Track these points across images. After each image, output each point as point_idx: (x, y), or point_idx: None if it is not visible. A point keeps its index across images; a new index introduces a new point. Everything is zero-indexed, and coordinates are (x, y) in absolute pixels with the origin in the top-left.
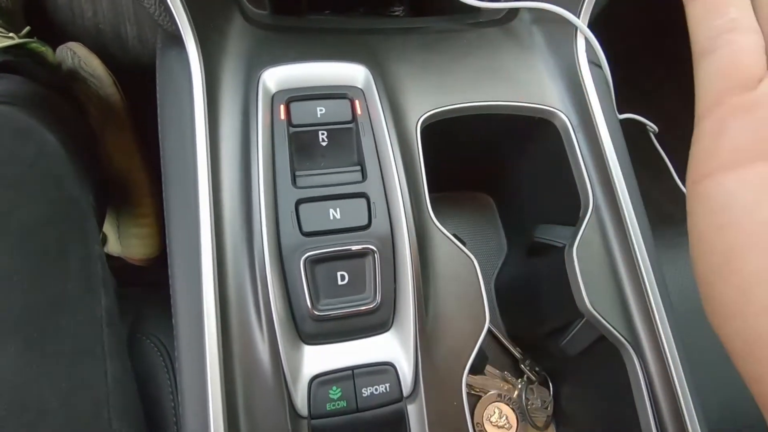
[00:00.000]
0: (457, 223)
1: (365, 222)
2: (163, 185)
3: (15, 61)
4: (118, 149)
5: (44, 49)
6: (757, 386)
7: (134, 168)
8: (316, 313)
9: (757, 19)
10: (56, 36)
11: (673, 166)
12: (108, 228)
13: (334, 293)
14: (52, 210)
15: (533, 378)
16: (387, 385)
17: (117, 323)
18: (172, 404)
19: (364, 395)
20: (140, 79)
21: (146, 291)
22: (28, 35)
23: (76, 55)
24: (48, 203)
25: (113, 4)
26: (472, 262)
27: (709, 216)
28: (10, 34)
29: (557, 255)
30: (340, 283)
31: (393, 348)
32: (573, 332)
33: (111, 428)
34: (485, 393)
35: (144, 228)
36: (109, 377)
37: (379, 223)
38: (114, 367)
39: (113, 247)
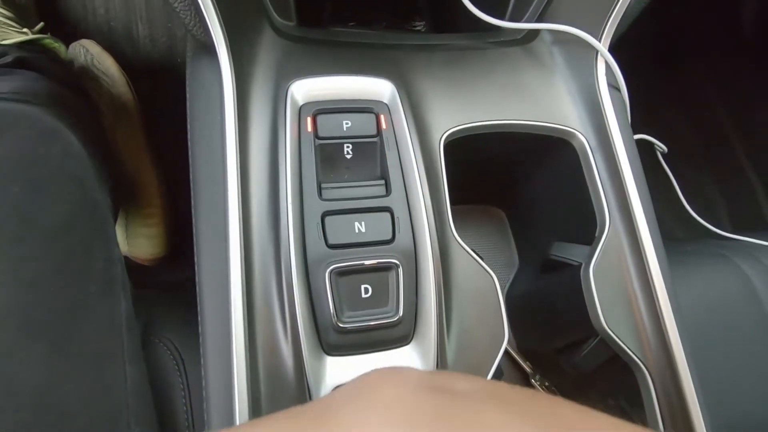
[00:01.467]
0: (470, 236)
1: (389, 236)
2: (192, 192)
3: (29, 56)
4: (129, 149)
5: (57, 45)
6: None
7: (144, 168)
8: (340, 324)
9: None
10: (68, 33)
11: (678, 185)
12: (116, 228)
13: (357, 306)
14: (76, 212)
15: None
16: None
17: (134, 327)
18: (185, 408)
19: None
20: (150, 78)
21: (157, 293)
22: (41, 31)
23: (89, 52)
24: (72, 206)
25: (125, 3)
26: (492, 278)
27: None
28: (24, 30)
29: (573, 273)
30: (363, 296)
31: (413, 361)
32: (587, 350)
33: None
34: None
35: (152, 228)
36: (128, 381)
37: (403, 238)
38: (133, 371)
39: (120, 246)
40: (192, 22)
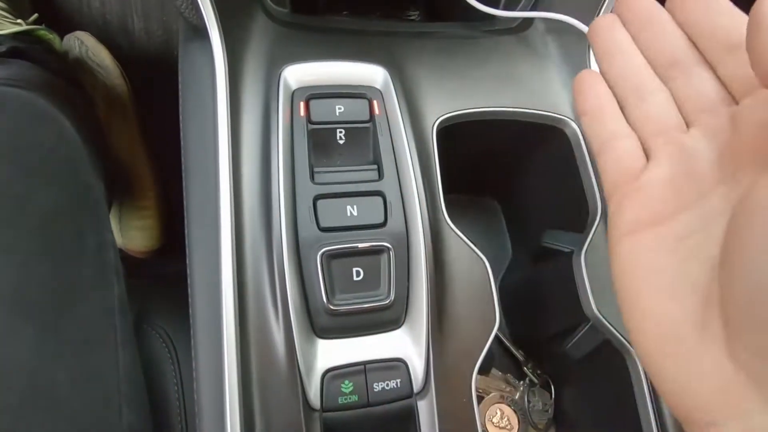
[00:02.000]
0: (462, 226)
1: (381, 220)
2: (183, 174)
3: (24, 47)
4: (123, 140)
5: (52, 37)
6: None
7: (138, 160)
8: (331, 307)
9: (631, 126)
10: (62, 24)
11: None
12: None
13: (349, 288)
14: (69, 196)
15: (535, 380)
16: (398, 380)
17: (127, 312)
18: (177, 396)
19: (375, 390)
20: (145, 71)
21: (149, 283)
22: (35, 22)
23: (83, 44)
24: (65, 189)
25: None
26: (484, 263)
27: (616, 266)
28: (18, 21)
29: (564, 260)
30: (355, 278)
31: (404, 344)
32: (578, 336)
33: (121, 418)
34: (488, 394)
35: (146, 220)
36: (120, 366)
37: (395, 222)
38: (125, 356)
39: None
40: (184, 5)
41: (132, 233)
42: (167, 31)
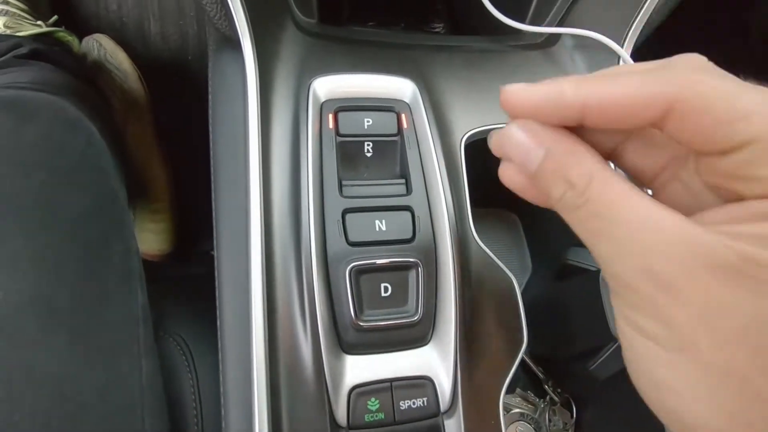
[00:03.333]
0: (483, 240)
1: (410, 235)
2: (212, 185)
3: (44, 49)
4: (139, 144)
5: (71, 39)
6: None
7: (153, 163)
8: (359, 323)
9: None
10: (79, 27)
11: None
12: None
13: (377, 304)
14: (97, 202)
15: (556, 399)
16: (425, 399)
17: (149, 320)
18: (194, 404)
19: (401, 408)
20: (161, 74)
21: (166, 288)
22: (54, 24)
23: (102, 47)
24: (94, 195)
25: None
26: (512, 281)
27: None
28: (38, 22)
29: (590, 278)
30: (383, 294)
31: (431, 362)
32: (604, 356)
33: (143, 425)
34: (508, 411)
35: (160, 223)
36: (143, 375)
37: (423, 237)
38: (148, 365)
39: None
40: (218, 15)
41: (146, 236)
42: (183, 35)
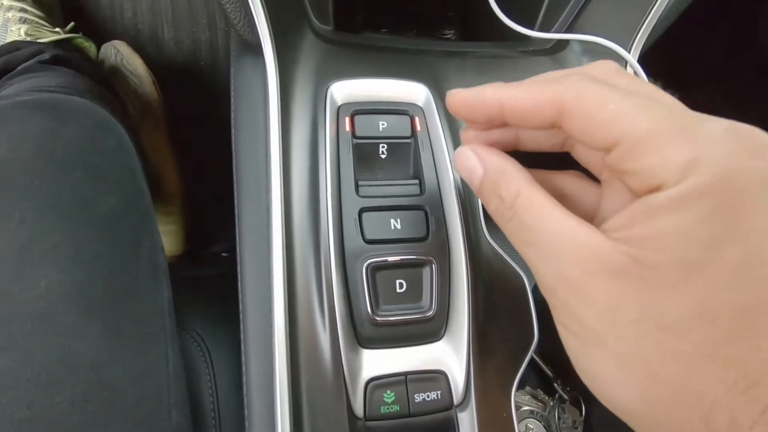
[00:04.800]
0: (495, 238)
1: (424, 233)
2: (235, 184)
3: (65, 54)
4: (152, 146)
5: (88, 45)
6: None
7: (166, 166)
8: (376, 318)
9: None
10: (95, 33)
11: None
12: None
13: (392, 300)
14: (129, 201)
15: (565, 397)
16: (438, 392)
17: (173, 314)
18: (211, 398)
19: (416, 401)
20: (173, 79)
21: (180, 287)
22: (72, 31)
23: (119, 52)
24: (125, 193)
25: (152, 6)
26: (523, 279)
27: None
28: (56, 29)
29: None
30: (398, 290)
31: (445, 357)
32: None
33: (170, 415)
34: (518, 409)
35: (171, 225)
36: (170, 365)
37: (437, 236)
38: (173, 356)
39: None
40: (241, 23)
41: None
42: (195, 41)
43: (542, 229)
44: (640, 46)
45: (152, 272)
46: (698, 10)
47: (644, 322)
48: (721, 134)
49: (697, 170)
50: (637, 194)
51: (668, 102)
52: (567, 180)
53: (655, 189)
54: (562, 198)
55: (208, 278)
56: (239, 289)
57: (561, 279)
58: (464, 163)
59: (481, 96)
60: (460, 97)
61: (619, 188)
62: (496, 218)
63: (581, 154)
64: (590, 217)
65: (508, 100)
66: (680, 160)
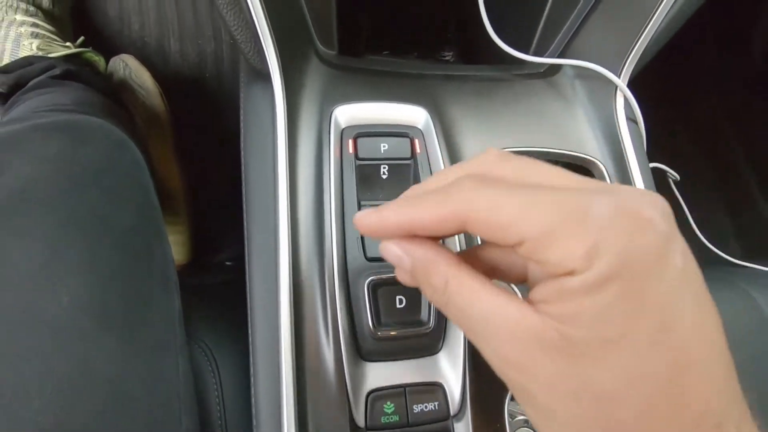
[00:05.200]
0: None
1: None
2: (244, 203)
3: (75, 69)
4: (160, 158)
5: (98, 59)
6: None
7: (172, 177)
8: (377, 333)
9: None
10: (103, 46)
11: (690, 213)
12: None
13: (392, 315)
14: (141, 216)
15: None
16: (436, 403)
17: (182, 323)
18: (218, 408)
19: (414, 411)
20: (179, 91)
21: (187, 296)
22: (82, 45)
23: (127, 66)
24: (139, 209)
25: (159, 19)
26: (516, 293)
27: None
28: (67, 44)
29: None
30: (398, 306)
31: (442, 369)
32: None
33: (180, 421)
34: (513, 418)
35: (177, 235)
36: (180, 373)
37: None
38: (184, 363)
39: None
40: (251, 52)
41: None
42: (201, 53)
43: (475, 312)
44: (630, 70)
45: (164, 283)
46: (690, 29)
47: (583, 392)
48: (611, 219)
49: (597, 258)
50: (553, 276)
51: (556, 184)
52: (495, 252)
53: (568, 274)
54: (494, 270)
55: (214, 286)
56: (248, 304)
57: (502, 358)
58: (392, 256)
59: (384, 224)
60: (365, 223)
61: None
62: (434, 305)
63: None
64: (524, 278)
65: (411, 223)
66: (580, 251)
